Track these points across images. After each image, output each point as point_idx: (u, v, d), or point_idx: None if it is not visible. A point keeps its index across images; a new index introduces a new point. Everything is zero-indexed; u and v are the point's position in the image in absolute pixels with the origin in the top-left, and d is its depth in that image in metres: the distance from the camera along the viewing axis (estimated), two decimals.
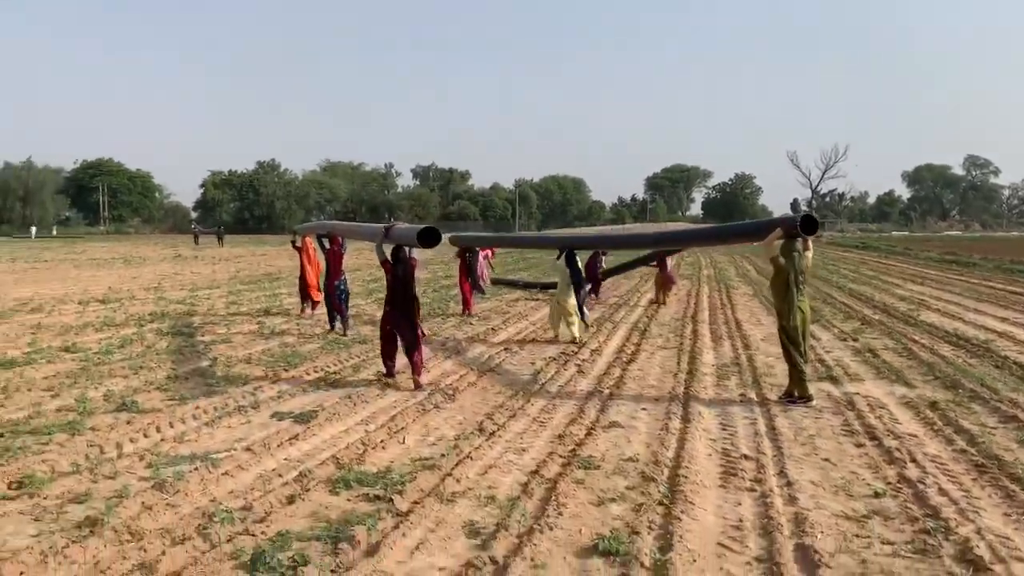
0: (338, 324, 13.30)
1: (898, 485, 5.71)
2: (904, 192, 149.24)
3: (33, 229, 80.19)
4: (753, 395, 8.60)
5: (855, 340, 12.28)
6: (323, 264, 14.03)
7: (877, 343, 11.99)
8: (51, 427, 7.08)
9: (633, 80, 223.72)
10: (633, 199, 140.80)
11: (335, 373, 9.80)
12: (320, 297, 14.76)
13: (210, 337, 12.85)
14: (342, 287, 13.20)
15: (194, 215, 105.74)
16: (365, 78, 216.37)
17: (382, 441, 6.80)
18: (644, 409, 7.99)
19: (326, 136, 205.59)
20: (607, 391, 8.78)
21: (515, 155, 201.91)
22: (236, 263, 35.35)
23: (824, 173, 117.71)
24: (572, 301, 12.41)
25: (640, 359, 10.85)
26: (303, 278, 15.40)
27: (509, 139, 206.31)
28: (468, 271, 16.26)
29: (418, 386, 8.93)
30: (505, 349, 11.72)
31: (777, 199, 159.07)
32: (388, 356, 9.38)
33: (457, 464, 6.13)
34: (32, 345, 11.69)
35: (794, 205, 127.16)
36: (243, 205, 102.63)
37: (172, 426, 7.30)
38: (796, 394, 8.21)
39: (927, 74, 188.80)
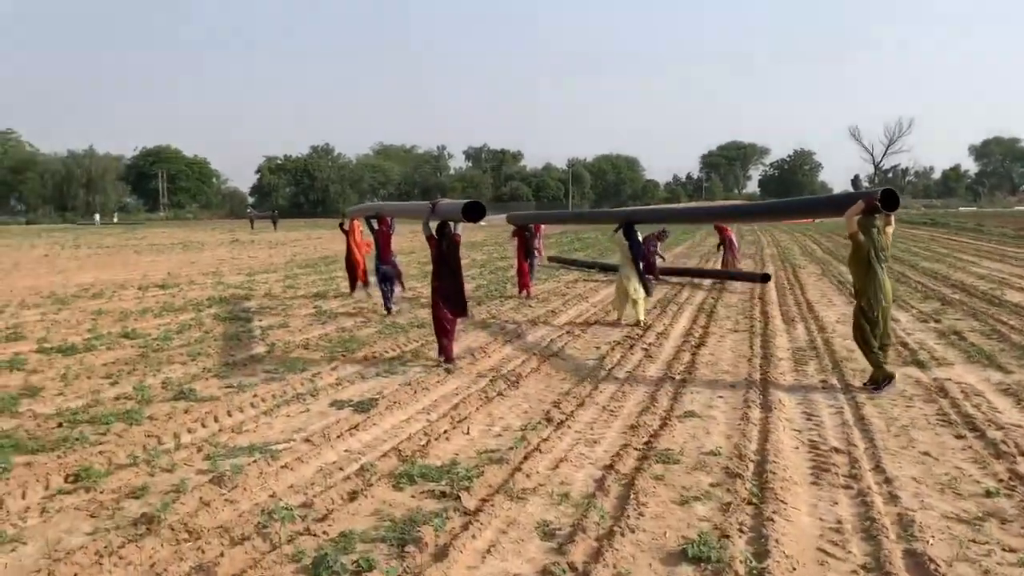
0: (392, 305, 13.34)
1: (1011, 483, 5.19)
2: (972, 167, 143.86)
3: (97, 216, 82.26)
4: (835, 381, 8.08)
5: (937, 321, 11.58)
6: (371, 246, 14.18)
7: (962, 324, 11.28)
8: (109, 416, 6.94)
9: (689, 52, 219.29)
10: (688, 177, 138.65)
11: (395, 358, 9.54)
12: (368, 278, 14.87)
13: (268, 322, 12.73)
14: (392, 268, 13.31)
15: (250, 200, 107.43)
16: (415, 60, 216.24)
17: (445, 432, 6.49)
18: (720, 397, 7.54)
19: (380, 120, 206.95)
20: (678, 377, 8.34)
21: (568, 134, 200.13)
22: (292, 247, 35.60)
23: (887, 148, 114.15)
24: (635, 280, 11.95)
25: (710, 343, 10.35)
26: (350, 260, 15.39)
27: (562, 118, 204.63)
28: (526, 251, 15.83)
29: (448, 362, 9.12)
30: (567, 332, 11.34)
31: (838, 176, 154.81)
32: (443, 334, 9.32)
33: (526, 457, 5.79)
34: (92, 331, 11.71)
35: (855, 182, 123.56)
36: (298, 190, 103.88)
37: (230, 415, 7.10)
38: (879, 379, 7.69)
39: (991, 41, 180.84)
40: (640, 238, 12.37)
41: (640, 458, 5.74)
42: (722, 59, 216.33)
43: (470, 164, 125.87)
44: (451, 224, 9.32)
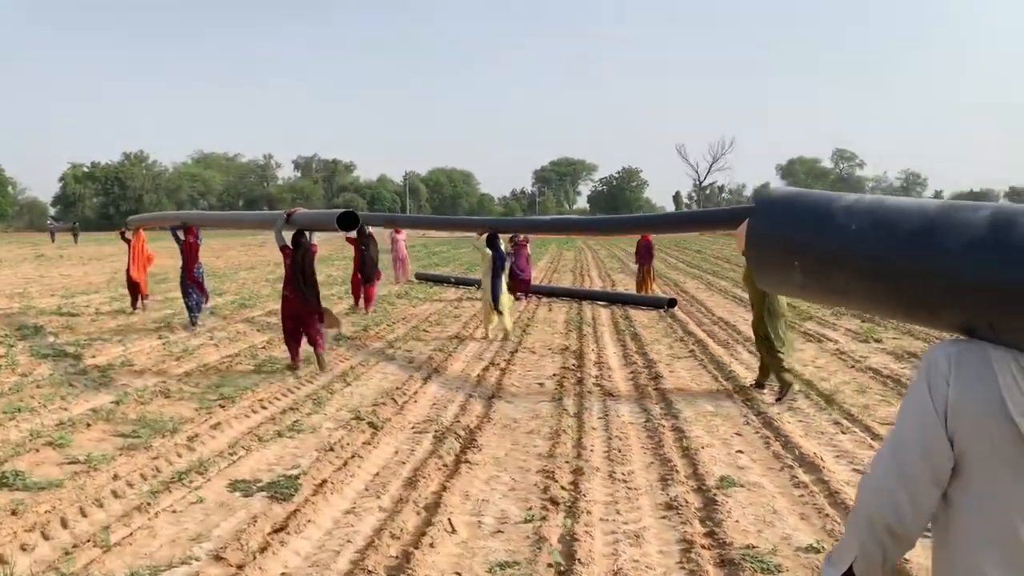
0: (197, 317, 12.90)
1: None
2: (779, 184, 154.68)
3: None
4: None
5: (877, 341, 10.83)
6: (139, 261, 14.42)
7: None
8: None
9: (521, 72, 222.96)
10: (522, 192, 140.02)
11: (291, 408, 7.41)
12: (147, 292, 14.95)
13: (104, 358, 10.08)
14: (200, 278, 12.84)
15: (52, 212, 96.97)
16: (241, 65, 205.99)
17: (418, 530, 4.58)
18: (740, 452, 6.07)
19: (199, 126, 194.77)
20: (662, 419, 6.82)
21: (400, 147, 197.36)
22: (111, 262, 31.35)
23: (711, 165, 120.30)
24: (498, 291, 11.48)
25: (662, 370, 8.93)
26: (129, 274, 14.74)
27: (393, 131, 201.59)
28: (361, 262, 14.91)
29: (323, 366, 9.13)
30: (484, 362, 9.58)
31: (663, 193, 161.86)
32: (293, 338, 9.32)
33: (563, 574, 4.01)
34: None
35: (676, 198, 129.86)
36: (108, 200, 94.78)
37: (85, 515, 4.83)
38: (783, 388, 7.63)
39: (802, 63, 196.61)
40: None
41: (720, 561, 4.11)
42: (556, 74, 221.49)
43: (299, 174, 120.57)
44: (307, 235, 9.41)
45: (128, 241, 14.73)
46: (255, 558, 4.17)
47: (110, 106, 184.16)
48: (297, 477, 5.43)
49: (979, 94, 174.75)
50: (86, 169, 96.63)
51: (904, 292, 1.53)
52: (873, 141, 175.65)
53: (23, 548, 4.33)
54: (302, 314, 9.18)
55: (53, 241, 55.85)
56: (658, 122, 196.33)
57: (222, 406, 7.52)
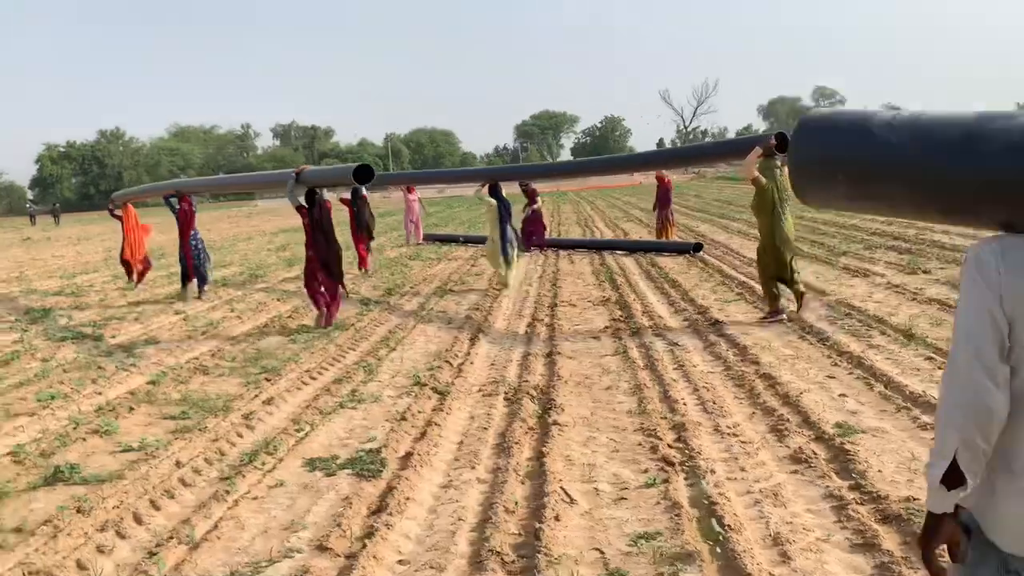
0: (192, 287, 12.48)
1: None
2: (760, 126, 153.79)
3: None
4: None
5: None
6: (135, 236, 13.86)
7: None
8: None
9: (493, 26, 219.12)
10: (504, 148, 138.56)
11: (341, 379, 6.96)
12: (143, 266, 14.18)
13: (126, 337, 9.57)
14: (199, 246, 12.43)
15: (31, 194, 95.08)
16: (211, 37, 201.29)
17: (528, 503, 4.16)
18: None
19: (173, 101, 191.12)
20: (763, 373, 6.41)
21: (379, 109, 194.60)
22: (101, 241, 30.57)
23: (696, 109, 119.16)
24: (505, 242, 11.46)
25: (724, 322, 8.52)
26: (122, 249, 14.17)
27: (371, 93, 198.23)
28: (357, 224, 14.55)
29: (331, 322, 9.25)
30: (523, 317, 9.14)
31: (646, 140, 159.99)
32: (319, 301, 9.37)
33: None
34: None
35: (659, 145, 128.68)
36: (87, 179, 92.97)
37: (158, 509, 4.39)
38: (773, 311, 8.17)
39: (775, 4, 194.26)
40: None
41: (883, 518, 3.71)
42: (529, 30, 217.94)
43: (279, 143, 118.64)
44: (319, 192, 9.45)
45: (119, 218, 14.31)
46: (364, 545, 3.74)
47: (80, 83, 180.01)
48: (378, 451, 5.00)
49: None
50: (62, 149, 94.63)
51: (945, 196, 1.72)
52: (855, 76, 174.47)
53: (100, 550, 3.89)
54: (325, 271, 9.30)
55: (34, 224, 55.24)
56: (638, 69, 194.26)
57: (268, 380, 7.06)
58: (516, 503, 4.13)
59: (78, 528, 4.10)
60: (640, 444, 4.93)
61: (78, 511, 4.32)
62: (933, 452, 1.66)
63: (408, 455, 4.90)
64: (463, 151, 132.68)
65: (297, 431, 5.55)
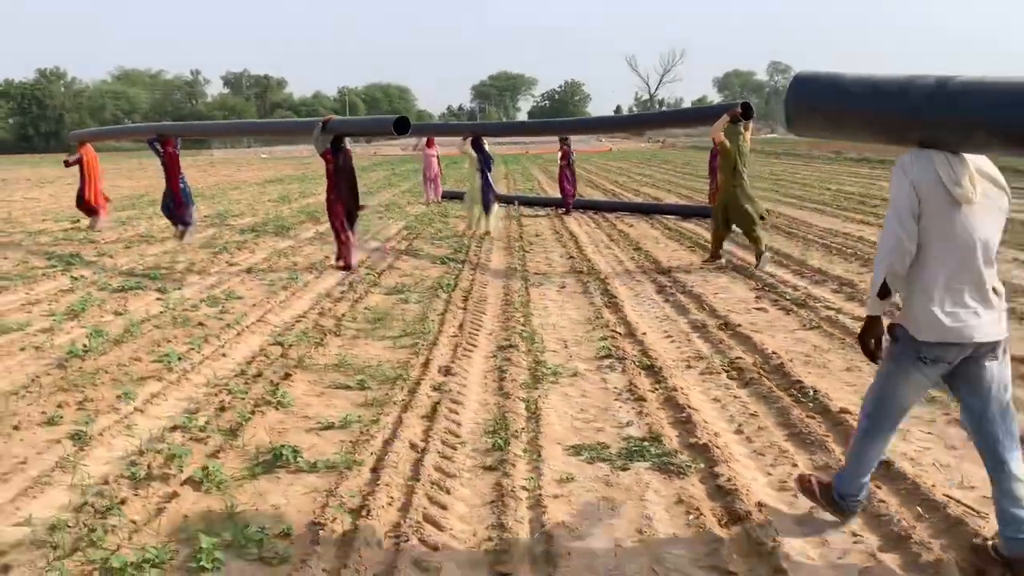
0: (181, 228, 12.52)
1: None
2: (716, 98, 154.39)
3: None
4: None
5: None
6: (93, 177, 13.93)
7: None
8: None
9: None
10: (460, 108, 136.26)
11: (504, 340, 6.08)
12: (106, 207, 14.45)
13: (198, 288, 8.48)
14: (186, 190, 12.56)
15: None
16: None
17: None
18: None
19: (117, 43, 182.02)
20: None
21: (333, 62, 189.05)
22: (68, 184, 28.48)
23: (662, 77, 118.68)
24: (485, 191, 12.37)
25: None
26: (81, 191, 14.07)
27: (325, 45, 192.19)
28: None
29: (346, 268, 9.60)
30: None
31: (605, 107, 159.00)
32: (345, 242, 9.75)
33: None
34: None
35: (616, 111, 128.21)
36: (25, 120, 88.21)
37: (443, 507, 3.50)
38: (715, 255, 9.48)
39: None
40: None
41: None
42: None
43: (229, 91, 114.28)
44: (346, 140, 9.79)
45: (77, 163, 13.96)
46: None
47: (16, 19, 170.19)
48: (657, 439, 4.17)
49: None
50: None
51: (889, 127, 2.95)
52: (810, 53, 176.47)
53: (422, 567, 3.00)
54: (348, 215, 9.66)
55: None
56: (601, 34, 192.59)
57: (422, 344, 6.11)
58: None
59: (368, 540, 3.19)
60: None
61: (357, 513, 3.41)
62: (872, 280, 2.82)
63: (705, 447, 4.07)
64: (419, 109, 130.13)
65: (528, 411, 4.67)
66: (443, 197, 19.05)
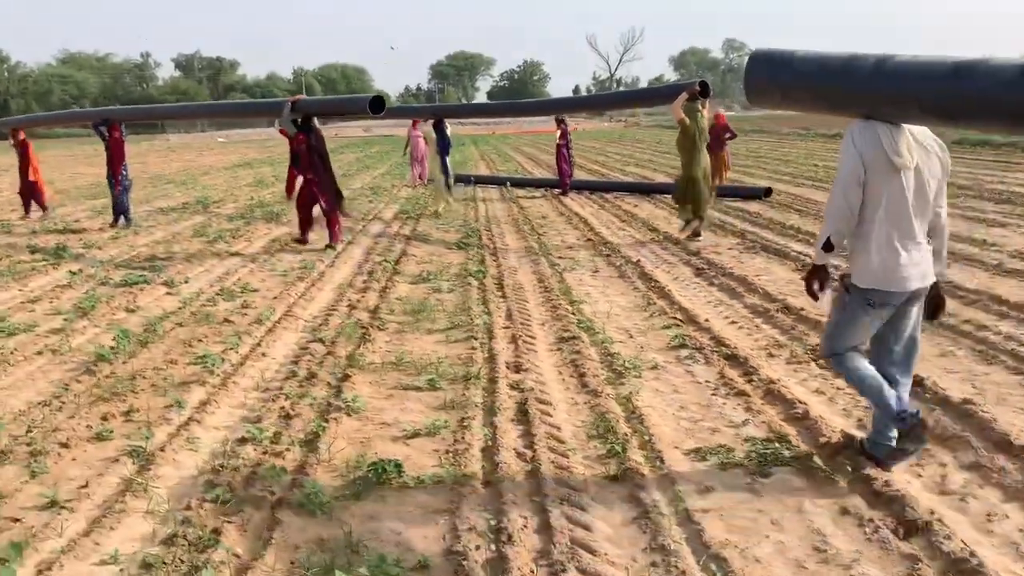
0: (123, 220, 12.28)
1: None
2: (672, 76, 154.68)
3: None
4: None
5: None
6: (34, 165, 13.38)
7: None
8: None
9: None
10: (419, 88, 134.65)
11: (563, 329, 5.72)
12: (48, 195, 14.02)
13: (203, 283, 7.96)
14: (128, 177, 12.26)
15: None
16: None
17: None
18: None
19: (59, 25, 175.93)
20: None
21: (286, 43, 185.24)
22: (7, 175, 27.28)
23: (622, 56, 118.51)
24: (442, 171, 13.30)
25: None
26: (24, 179, 13.46)
27: (278, 26, 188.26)
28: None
29: (332, 244, 9.69)
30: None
31: (563, 88, 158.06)
32: (307, 223, 9.89)
33: None
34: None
35: (575, 92, 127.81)
36: None
37: (588, 529, 3.14)
38: (685, 226, 9.59)
39: None
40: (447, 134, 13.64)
41: None
42: None
43: (181, 74, 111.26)
44: (314, 119, 9.70)
45: (20, 149, 13.37)
46: None
47: None
48: (784, 439, 3.86)
49: None
50: None
51: (835, 100, 3.39)
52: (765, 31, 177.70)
53: None
54: (321, 195, 9.60)
55: None
56: (559, 13, 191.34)
57: (475, 338, 5.72)
58: None
59: (521, 570, 2.82)
60: None
61: (496, 538, 3.04)
62: (819, 235, 3.26)
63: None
64: (376, 89, 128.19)
65: (626, 410, 4.33)
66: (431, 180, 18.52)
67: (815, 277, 3.34)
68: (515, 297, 7.01)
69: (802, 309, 6.15)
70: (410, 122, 18.38)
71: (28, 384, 5.10)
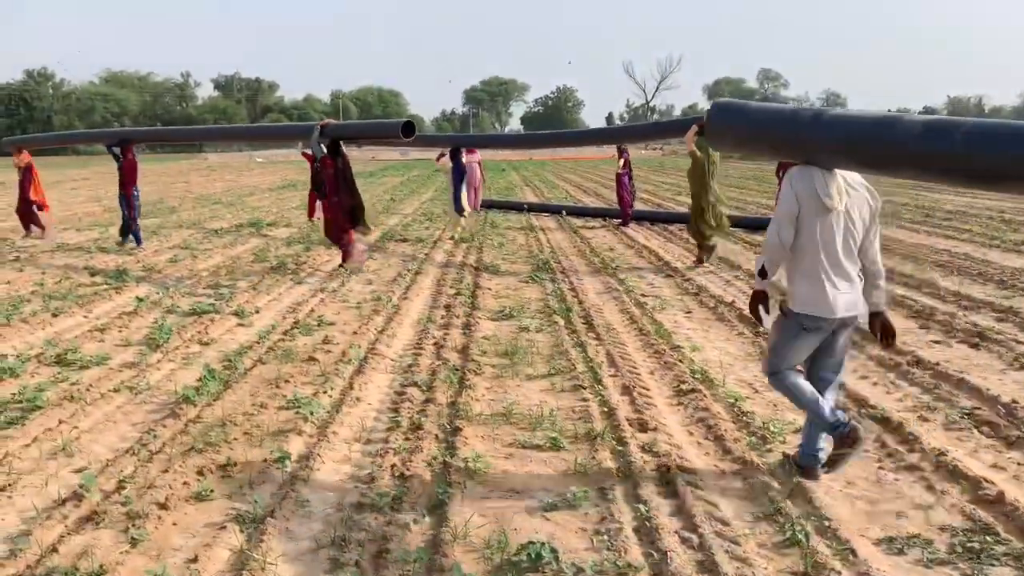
0: (131, 238, 12.27)
1: None
2: (706, 106, 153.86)
3: None
4: None
5: None
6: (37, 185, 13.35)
7: None
8: None
9: None
10: (453, 112, 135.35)
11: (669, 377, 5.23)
12: (47, 217, 13.72)
13: (276, 312, 7.58)
14: (137, 200, 12.23)
15: None
16: None
17: None
18: None
19: (103, 44, 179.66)
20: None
21: (324, 66, 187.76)
22: (70, 189, 27.45)
23: (659, 84, 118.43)
24: (458, 199, 13.61)
25: None
26: (25, 200, 13.30)
27: (316, 48, 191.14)
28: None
29: (343, 264, 9.89)
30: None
31: (597, 115, 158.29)
32: (345, 242, 9.91)
33: None
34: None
35: (608, 120, 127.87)
36: (12, 122, 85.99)
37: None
38: (703, 259, 10.03)
39: None
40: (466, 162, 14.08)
41: None
42: None
43: (220, 94, 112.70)
44: (341, 143, 9.80)
45: (24, 167, 13.38)
46: None
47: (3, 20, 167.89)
48: (990, 531, 3.34)
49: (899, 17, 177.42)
50: None
51: (782, 148, 4.00)
52: (797, 61, 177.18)
53: None
54: (350, 216, 9.71)
55: None
56: (595, 40, 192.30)
57: (593, 384, 5.26)
58: None
59: None
60: None
61: None
62: (756, 264, 3.72)
63: None
64: (411, 113, 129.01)
65: (795, 493, 3.83)
66: (488, 207, 18.19)
67: (757, 301, 3.73)
68: (611, 339, 6.53)
69: (937, 364, 5.63)
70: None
71: (109, 427, 4.72)
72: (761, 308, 3.71)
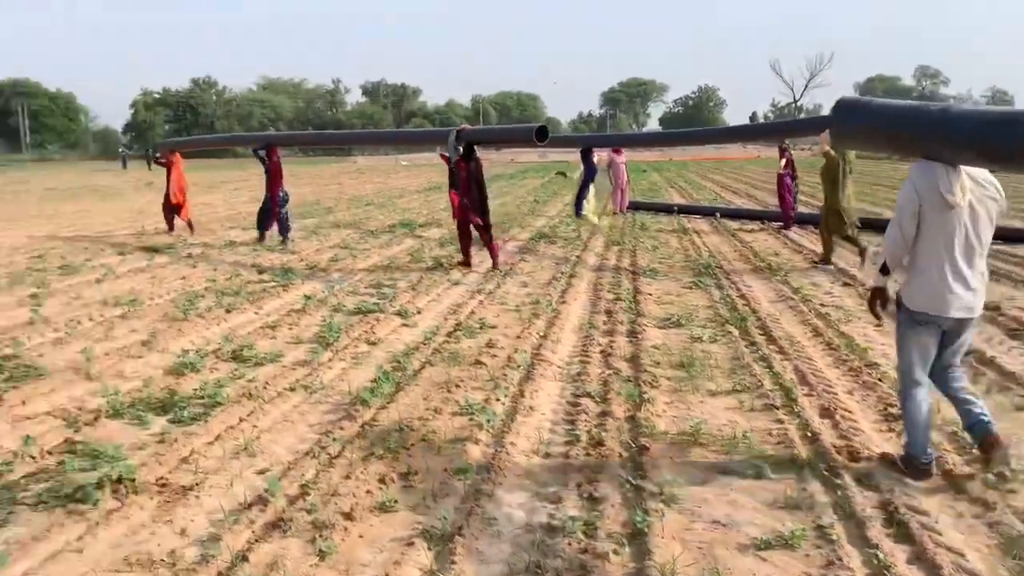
0: (273, 234, 12.93)
1: None
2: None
3: None
4: None
5: None
6: (180, 184, 14.15)
7: None
8: None
9: None
10: (590, 115, 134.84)
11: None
12: (187, 213, 14.50)
13: (436, 313, 7.49)
14: (286, 198, 12.83)
15: (124, 139, 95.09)
16: None
17: None
18: None
19: (261, 52, 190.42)
20: None
21: (464, 72, 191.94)
22: (230, 189, 28.98)
23: (808, 82, 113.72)
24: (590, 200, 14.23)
25: None
26: (168, 197, 14.31)
27: (457, 55, 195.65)
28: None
29: (497, 266, 10.02)
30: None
31: (741, 114, 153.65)
32: (467, 247, 10.23)
33: None
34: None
35: (752, 118, 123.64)
36: (180, 127, 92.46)
37: None
38: (825, 259, 9.95)
39: None
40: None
41: None
42: None
43: (367, 100, 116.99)
44: (475, 148, 9.96)
45: (164, 165, 14.52)
46: None
47: (171, 32, 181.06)
48: None
49: None
50: (157, 95, 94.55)
51: (901, 143, 3.85)
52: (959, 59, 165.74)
53: None
54: (475, 219, 9.94)
55: (125, 168, 55.53)
56: (738, 39, 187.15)
57: (779, 406, 4.80)
58: None
59: None
60: None
61: None
62: (878, 260, 3.70)
63: None
64: (548, 115, 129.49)
65: None
66: (635, 208, 17.77)
67: (876, 298, 3.79)
68: (796, 353, 6.01)
69: None
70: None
71: (287, 427, 4.68)
72: (880, 305, 3.77)
